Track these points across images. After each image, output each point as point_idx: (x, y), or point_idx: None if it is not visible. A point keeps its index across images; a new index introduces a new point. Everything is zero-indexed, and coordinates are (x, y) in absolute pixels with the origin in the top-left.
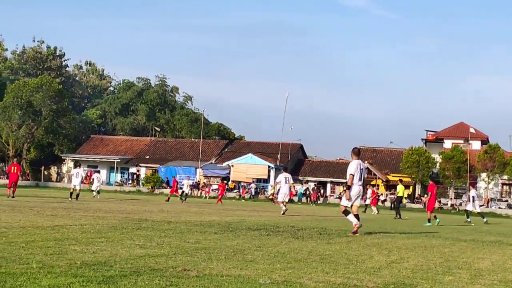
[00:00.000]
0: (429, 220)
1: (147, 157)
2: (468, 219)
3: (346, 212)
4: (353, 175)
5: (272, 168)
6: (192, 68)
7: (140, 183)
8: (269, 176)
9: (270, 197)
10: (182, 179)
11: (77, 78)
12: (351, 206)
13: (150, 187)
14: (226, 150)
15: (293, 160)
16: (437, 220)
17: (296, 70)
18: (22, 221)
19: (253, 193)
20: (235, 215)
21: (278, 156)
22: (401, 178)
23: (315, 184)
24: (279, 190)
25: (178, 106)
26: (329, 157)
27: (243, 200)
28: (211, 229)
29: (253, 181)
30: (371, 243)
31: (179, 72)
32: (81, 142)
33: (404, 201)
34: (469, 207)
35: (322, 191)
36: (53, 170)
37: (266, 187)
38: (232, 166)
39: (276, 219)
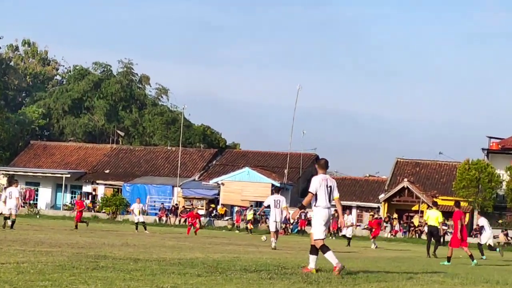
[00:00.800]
0: (448, 259)
1: (107, 171)
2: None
3: (323, 248)
4: (313, 194)
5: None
6: (169, 50)
7: (97, 207)
8: None
9: (248, 225)
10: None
11: (11, 64)
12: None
13: (110, 211)
14: (214, 162)
15: (306, 176)
16: (474, 261)
17: (310, 54)
18: None
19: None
20: (226, 251)
21: (285, 171)
22: (457, 200)
23: (335, 210)
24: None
25: (149, 102)
26: (355, 173)
27: (237, 231)
28: (193, 270)
29: (251, 205)
30: None
31: (150, 56)
32: (17, 151)
33: (441, 231)
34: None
35: (346, 217)
36: None
37: (268, 213)
38: (223, 184)
39: (282, 256)
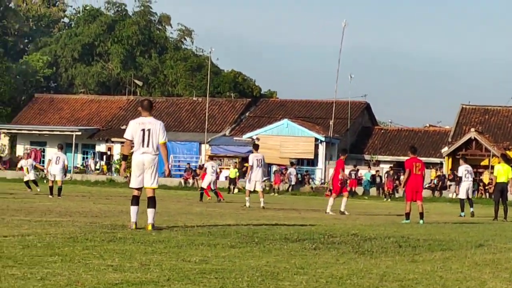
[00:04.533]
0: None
1: (124, 127)
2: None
3: (133, 200)
4: (130, 140)
5: (322, 141)
6: None
7: (113, 169)
8: (316, 154)
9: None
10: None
11: (11, 5)
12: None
13: (128, 174)
14: (247, 114)
15: (355, 128)
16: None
17: None
18: None
19: (293, 183)
20: (263, 218)
21: (331, 123)
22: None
23: (390, 167)
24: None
25: (171, 46)
26: (413, 124)
27: (276, 194)
28: (224, 240)
29: (293, 164)
30: (481, 261)
31: None
32: (19, 106)
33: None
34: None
35: (402, 177)
36: None
37: (313, 172)
38: (258, 139)
39: (330, 223)
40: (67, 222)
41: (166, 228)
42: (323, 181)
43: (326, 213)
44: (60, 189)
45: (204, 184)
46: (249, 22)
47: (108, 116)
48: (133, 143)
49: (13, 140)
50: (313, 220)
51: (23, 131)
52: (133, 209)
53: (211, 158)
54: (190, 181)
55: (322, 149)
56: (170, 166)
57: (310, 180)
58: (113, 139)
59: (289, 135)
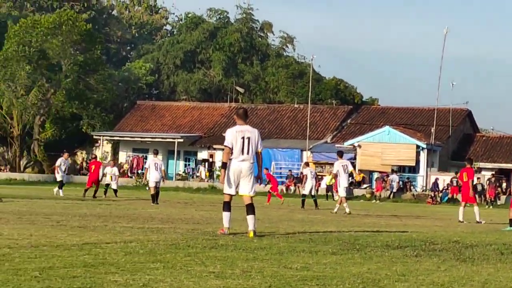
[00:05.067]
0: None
1: (225, 134)
2: None
3: (225, 206)
4: (230, 148)
5: (424, 149)
6: None
7: (215, 175)
8: (418, 161)
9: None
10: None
11: (114, 13)
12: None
13: None
14: (349, 121)
15: (457, 135)
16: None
17: None
18: (35, 237)
19: (394, 190)
20: (364, 225)
21: (432, 130)
22: None
23: (492, 174)
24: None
25: (273, 53)
26: None
27: (377, 201)
28: (326, 247)
29: (394, 171)
30: None
31: (273, 0)
32: (121, 113)
33: None
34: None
35: (504, 184)
36: (80, 156)
37: (414, 179)
38: (359, 146)
39: (430, 230)
40: (169, 229)
41: (268, 234)
42: (424, 188)
43: (459, 222)
44: (157, 195)
45: (305, 191)
46: (350, 29)
47: (210, 123)
48: (231, 151)
49: (116, 147)
50: (414, 227)
51: (125, 138)
52: (226, 215)
53: (306, 164)
54: (292, 188)
55: (423, 156)
56: (271, 172)
57: (412, 187)
58: (214, 146)
59: (391, 142)
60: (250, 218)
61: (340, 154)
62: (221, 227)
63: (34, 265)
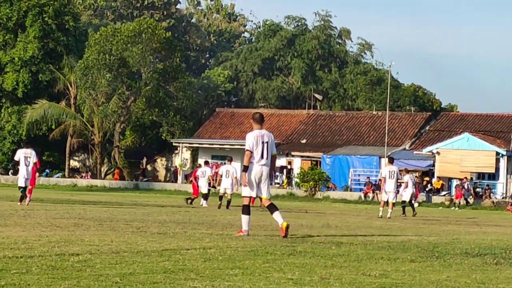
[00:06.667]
0: None
1: (304, 141)
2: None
3: (245, 209)
4: (251, 151)
5: (503, 156)
6: None
7: (293, 182)
8: (497, 168)
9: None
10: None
11: (193, 21)
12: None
13: (308, 187)
14: (427, 128)
15: None
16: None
17: None
18: (116, 243)
19: (468, 197)
20: (443, 232)
21: None
22: None
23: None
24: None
25: (351, 60)
26: None
27: (456, 208)
28: (405, 254)
29: (466, 178)
30: None
31: (351, 7)
32: (201, 120)
33: None
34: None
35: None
36: (160, 163)
37: (494, 186)
38: (438, 153)
39: (511, 238)
40: (247, 235)
41: (346, 242)
42: (504, 195)
43: None
44: (229, 202)
45: (405, 197)
46: (428, 35)
47: (288, 130)
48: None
49: (195, 154)
50: (494, 234)
51: (204, 145)
52: (246, 218)
53: (406, 171)
54: (370, 195)
55: (503, 163)
56: (350, 179)
57: (491, 194)
58: (293, 153)
59: (470, 149)
60: (277, 214)
61: (391, 160)
62: (239, 230)
63: (115, 271)
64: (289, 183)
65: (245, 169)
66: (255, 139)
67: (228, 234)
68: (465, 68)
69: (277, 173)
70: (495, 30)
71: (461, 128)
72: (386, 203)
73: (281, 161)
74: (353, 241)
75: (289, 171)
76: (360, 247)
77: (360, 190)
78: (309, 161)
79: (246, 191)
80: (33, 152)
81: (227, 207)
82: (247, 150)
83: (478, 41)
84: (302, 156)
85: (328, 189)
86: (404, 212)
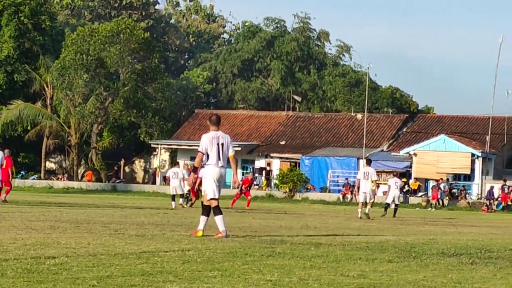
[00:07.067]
0: None
1: (283, 142)
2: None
3: (207, 210)
4: (203, 153)
5: (478, 157)
6: (349, 1)
7: (273, 184)
8: (472, 169)
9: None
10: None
11: (172, 21)
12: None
13: (287, 189)
14: (404, 130)
15: None
16: None
17: None
18: (93, 246)
19: (443, 197)
20: (420, 233)
21: (487, 138)
22: None
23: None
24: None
25: (330, 62)
26: None
27: (432, 209)
28: (382, 255)
29: (447, 178)
30: None
31: (329, 9)
32: (180, 121)
33: None
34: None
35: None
36: (138, 165)
37: (469, 187)
38: (415, 155)
39: (486, 238)
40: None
41: (325, 243)
42: (479, 196)
43: None
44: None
45: (388, 199)
46: (406, 38)
47: (267, 132)
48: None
49: (174, 155)
50: (469, 235)
51: (183, 147)
52: (205, 219)
53: (393, 174)
54: (349, 196)
55: (478, 164)
56: (328, 180)
57: (467, 195)
58: (272, 155)
59: (446, 150)
60: (219, 219)
61: (369, 162)
62: (194, 230)
63: (92, 274)
64: (268, 184)
65: (195, 170)
66: (210, 140)
67: (207, 236)
68: (441, 71)
69: (256, 175)
70: (471, 33)
71: (437, 130)
72: (364, 203)
73: (260, 163)
74: (331, 242)
75: (268, 173)
76: (338, 248)
77: (339, 191)
78: (288, 163)
79: (210, 194)
80: (1, 153)
81: (191, 205)
82: (199, 151)
83: (455, 44)
84: (281, 158)
85: (307, 190)
86: (385, 213)
